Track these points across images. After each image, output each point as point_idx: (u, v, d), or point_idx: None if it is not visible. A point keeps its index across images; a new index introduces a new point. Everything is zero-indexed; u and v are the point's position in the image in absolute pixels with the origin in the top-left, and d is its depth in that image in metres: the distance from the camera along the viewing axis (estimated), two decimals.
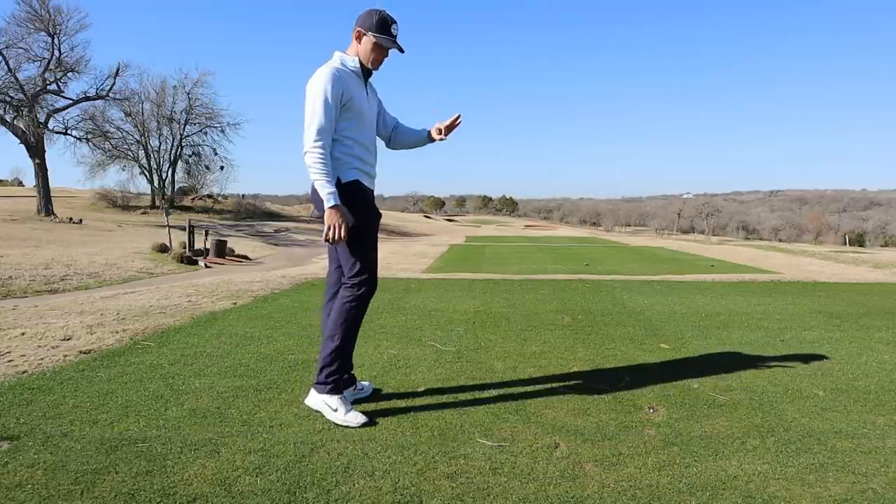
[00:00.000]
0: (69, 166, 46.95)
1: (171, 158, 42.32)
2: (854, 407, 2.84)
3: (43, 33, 28.67)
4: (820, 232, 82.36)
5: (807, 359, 3.73)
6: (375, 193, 2.77)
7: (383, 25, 2.56)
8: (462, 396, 2.91)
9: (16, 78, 27.95)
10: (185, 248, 15.64)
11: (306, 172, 2.48)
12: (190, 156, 43.06)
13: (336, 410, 2.55)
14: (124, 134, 38.01)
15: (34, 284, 9.18)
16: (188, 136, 42.55)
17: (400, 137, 2.89)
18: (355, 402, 2.75)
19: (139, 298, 5.89)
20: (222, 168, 43.28)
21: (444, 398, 2.86)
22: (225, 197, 46.43)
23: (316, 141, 2.44)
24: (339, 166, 2.56)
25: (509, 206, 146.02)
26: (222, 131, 42.51)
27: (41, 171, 29.07)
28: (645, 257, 15.78)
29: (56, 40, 28.97)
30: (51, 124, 30.28)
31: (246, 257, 17.94)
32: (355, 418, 2.52)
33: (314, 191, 2.50)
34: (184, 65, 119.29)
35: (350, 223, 2.50)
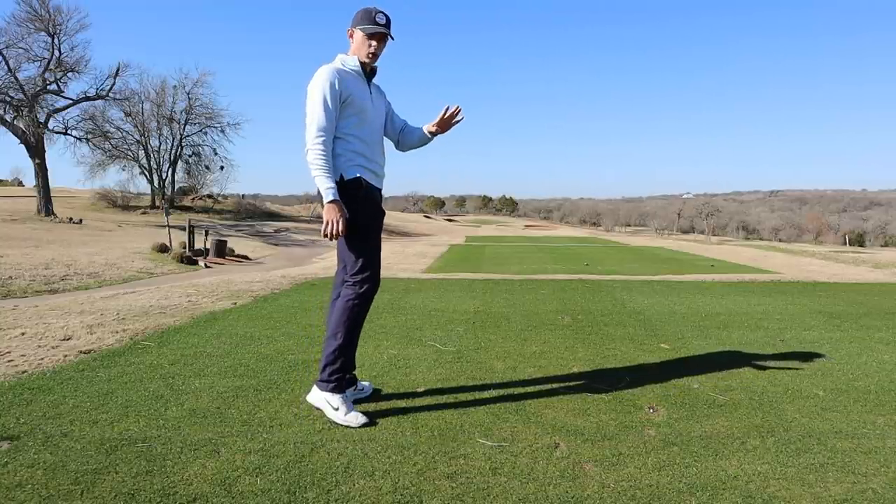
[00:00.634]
0: (69, 166, 46.98)
1: (171, 158, 42.33)
2: (854, 407, 2.84)
3: (43, 33, 28.69)
4: (820, 232, 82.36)
5: (807, 359, 3.73)
6: None
7: (366, 16, 2.61)
8: (462, 396, 2.91)
9: (16, 78, 27.95)
10: (185, 248, 15.64)
11: (309, 172, 2.49)
12: (190, 156, 43.07)
13: (337, 409, 2.55)
14: (124, 134, 38.04)
15: (34, 284, 9.18)
16: (188, 136, 42.58)
17: (406, 138, 2.90)
18: (356, 402, 2.75)
19: (139, 298, 5.89)
20: (222, 168, 43.30)
21: (444, 398, 2.86)
22: (225, 197, 46.43)
23: (316, 138, 2.46)
24: (342, 164, 2.57)
25: (509, 206, 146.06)
26: (222, 131, 42.54)
27: (41, 171, 29.07)
28: (645, 257, 15.78)
29: (56, 40, 28.98)
30: (51, 124, 30.29)
31: (246, 257, 17.94)
32: (356, 419, 2.52)
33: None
34: (184, 65, 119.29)
35: (346, 218, 2.48)
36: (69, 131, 31.25)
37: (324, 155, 2.46)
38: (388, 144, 2.89)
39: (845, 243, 51.61)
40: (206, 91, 48.14)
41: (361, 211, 2.58)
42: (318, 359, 3.54)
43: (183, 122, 41.65)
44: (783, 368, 3.49)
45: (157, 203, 39.94)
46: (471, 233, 43.17)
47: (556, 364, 3.54)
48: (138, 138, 39.72)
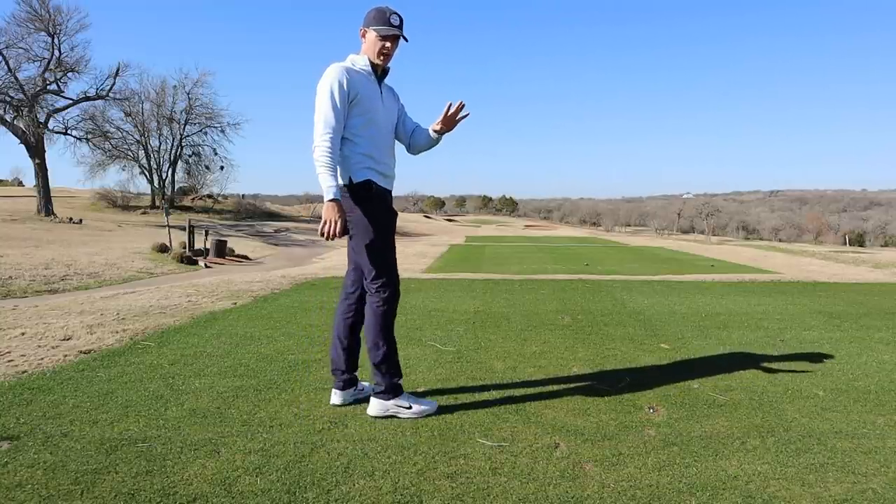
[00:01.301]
0: (69, 166, 46.96)
1: (171, 158, 42.32)
2: (854, 407, 2.84)
3: (43, 33, 28.68)
4: (820, 232, 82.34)
5: (807, 359, 3.73)
6: None
7: (380, 16, 2.58)
8: (462, 396, 2.91)
9: (16, 78, 27.95)
10: (185, 248, 15.64)
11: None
12: (190, 156, 43.07)
13: (410, 408, 2.60)
14: (124, 134, 38.03)
15: (34, 284, 9.18)
16: (188, 136, 42.57)
17: (415, 140, 2.86)
18: (356, 402, 2.76)
19: (139, 298, 5.89)
20: (222, 168, 43.30)
21: (444, 398, 2.86)
22: (225, 197, 46.43)
23: (323, 135, 2.45)
24: (350, 166, 2.55)
25: (509, 206, 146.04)
26: (222, 131, 42.53)
27: (41, 171, 29.06)
28: (645, 257, 15.78)
29: (56, 40, 28.98)
30: (51, 124, 30.29)
31: (246, 257, 17.94)
32: (431, 406, 2.64)
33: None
34: (184, 65, 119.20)
35: (345, 219, 2.45)
36: (69, 131, 31.26)
37: (329, 153, 2.44)
38: (399, 147, 2.86)
39: (845, 243, 51.62)
40: (206, 91, 48.17)
41: (375, 213, 2.56)
42: (318, 359, 3.54)
43: (183, 122, 41.65)
44: (783, 368, 3.49)
45: (157, 203, 39.94)
46: (471, 233, 43.17)
47: (556, 364, 3.54)
48: (138, 138, 39.73)
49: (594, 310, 5.49)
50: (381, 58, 2.61)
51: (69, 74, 30.30)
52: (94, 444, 2.26)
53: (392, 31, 2.57)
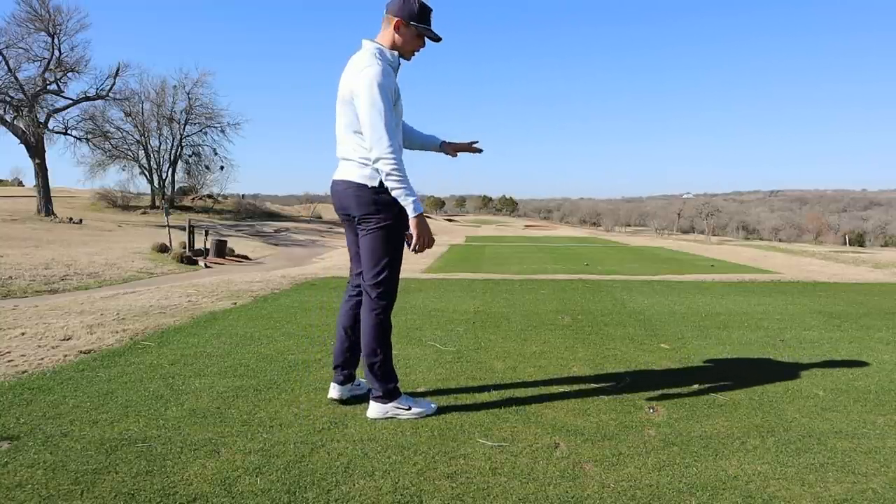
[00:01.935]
0: (69, 166, 46.98)
1: (171, 158, 42.35)
2: (854, 407, 2.84)
3: (43, 33, 28.71)
4: (820, 232, 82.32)
5: (807, 359, 3.73)
6: None
7: (424, 13, 2.46)
8: (462, 396, 2.91)
9: (16, 78, 27.97)
10: (185, 248, 15.64)
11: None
12: (190, 156, 43.09)
13: (409, 409, 2.59)
14: (124, 134, 38.07)
15: (34, 284, 9.18)
16: (188, 136, 42.61)
17: (409, 135, 2.83)
18: (353, 398, 2.77)
19: (139, 298, 5.89)
20: (222, 168, 43.34)
21: (444, 398, 2.86)
22: (225, 197, 46.45)
23: (390, 147, 2.33)
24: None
25: (509, 206, 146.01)
26: (222, 131, 42.57)
27: (41, 171, 29.08)
28: (645, 257, 15.78)
29: (56, 40, 29.00)
30: (51, 124, 30.31)
31: (246, 257, 17.95)
32: (428, 407, 2.63)
33: (358, 192, 2.47)
34: (184, 65, 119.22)
35: (428, 231, 2.49)
36: (69, 131, 31.28)
37: (401, 164, 2.37)
38: None
39: (845, 243, 51.61)
40: (206, 91, 48.16)
41: (402, 217, 2.50)
42: (318, 359, 3.55)
43: (183, 122, 41.68)
44: (783, 368, 3.49)
45: (157, 203, 39.96)
46: (471, 233, 43.16)
47: (556, 364, 3.54)
48: (138, 138, 39.76)
49: (594, 310, 5.49)
50: (411, 56, 2.55)
51: (69, 74, 30.33)
52: (94, 444, 2.26)
53: (436, 36, 2.50)
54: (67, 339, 3.98)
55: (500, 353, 3.77)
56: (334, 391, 2.75)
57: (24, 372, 3.20)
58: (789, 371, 3.43)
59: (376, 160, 2.36)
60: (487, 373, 3.33)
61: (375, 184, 2.46)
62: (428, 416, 2.61)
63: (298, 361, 3.50)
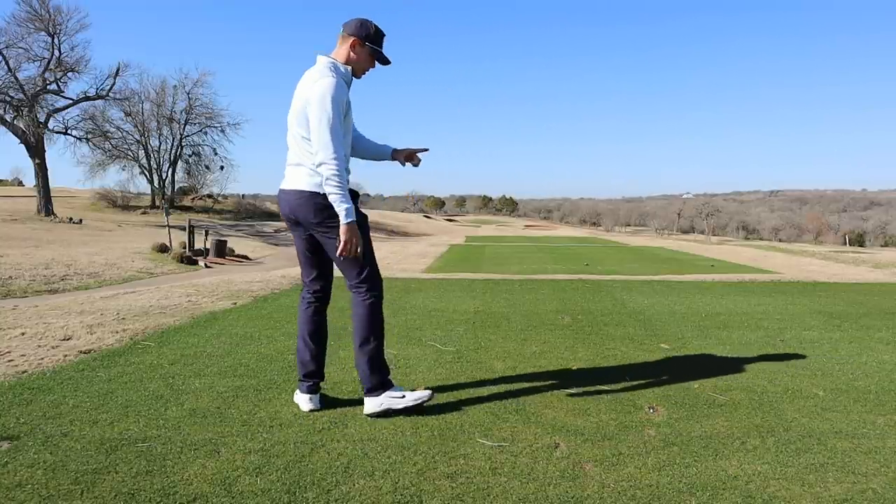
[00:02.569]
0: (69, 166, 47.00)
1: (171, 158, 42.37)
2: (854, 407, 2.84)
3: (43, 33, 28.71)
4: (820, 232, 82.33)
5: (807, 359, 3.73)
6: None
7: (379, 36, 2.65)
8: (462, 396, 2.91)
9: (16, 78, 27.97)
10: (185, 248, 15.64)
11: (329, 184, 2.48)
12: (190, 156, 43.11)
13: (403, 397, 2.60)
14: (124, 134, 38.10)
15: (34, 284, 9.18)
16: (188, 136, 42.63)
17: (360, 144, 2.87)
18: (353, 399, 2.76)
19: (139, 298, 5.89)
20: (222, 168, 43.36)
21: (444, 398, 2.86)
22: (225, 197, 46.46)
23: (334, 155, 2.43)
24: None
25: (509, 206, 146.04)
26: (222, 131, 42.58)
27: (41, 171, 29.08)
28: (645, 257, 15.78)
29: (56, 40, 29.00)
30: (51, 124, 30.31)
31: (246, 257, 17.95)
32: (423, 395, 2.64)
33: (312, 200, 2.52)
34: (184, 65, 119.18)
35: (357, 238, 2.51)
36: (69, 131, 31.28)
37: (342, 172, 2.45)
38: None
39: (845, 243, 51.61)
40: (206, 91, 48.19)
41: (359, 219, 2.57)
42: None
43: (183, 122, 41.69)
44: (783, 368, 3.49)
45: (157, 203, 39.97)
46: (471, 233, 43.17)
47: (556, 364, 3.54)
48: (138, 138, 39.79)
49: (594, 310, 5.49)
50: (363, 74, 2.69)
51: (69, 74, 30.33)
52: (94, 444, 2.26)
53: (387, 59, 2.68)
54: (67, 339, 3.98)
55: (499, 353, 3.77)
56: (308, 403, 2.67)
57: (24, 372, 3.20)
58: (789, 371, 3.43)
59: (319, 164, 2.46)
60: (487, 373, 3.33)
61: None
62: (424, 402, 2.62)
63: None
